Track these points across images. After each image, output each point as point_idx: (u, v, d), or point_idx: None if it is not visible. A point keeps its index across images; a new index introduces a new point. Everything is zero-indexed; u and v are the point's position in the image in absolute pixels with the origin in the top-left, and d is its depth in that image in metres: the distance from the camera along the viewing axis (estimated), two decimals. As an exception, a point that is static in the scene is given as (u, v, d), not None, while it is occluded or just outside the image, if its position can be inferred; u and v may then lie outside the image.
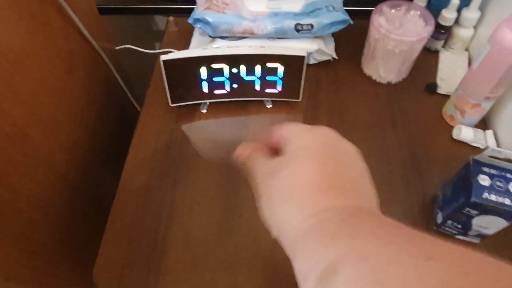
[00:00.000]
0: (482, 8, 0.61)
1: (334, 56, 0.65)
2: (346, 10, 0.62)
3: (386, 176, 0.53)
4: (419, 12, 0.59)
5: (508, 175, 0.41)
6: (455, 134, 0.56)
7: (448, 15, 0.61)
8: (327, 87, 0.63)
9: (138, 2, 0.69)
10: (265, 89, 0.58)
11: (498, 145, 0.56)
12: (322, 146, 0.25)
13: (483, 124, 0.59)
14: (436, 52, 0.67)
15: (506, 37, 0.45)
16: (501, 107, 0.56)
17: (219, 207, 0.50)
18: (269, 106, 0.60)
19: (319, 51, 0.63)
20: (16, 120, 0.44)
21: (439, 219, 0.48)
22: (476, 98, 0.52)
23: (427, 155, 0.56)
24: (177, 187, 0.52)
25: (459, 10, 0.62)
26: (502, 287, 0.15)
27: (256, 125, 0.59)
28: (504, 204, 0.39)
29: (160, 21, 0.83)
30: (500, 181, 0.41)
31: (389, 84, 0.64)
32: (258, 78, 0.56)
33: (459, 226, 0.45)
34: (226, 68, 0.55)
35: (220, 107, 0.60)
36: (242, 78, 0.56)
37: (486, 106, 0.53)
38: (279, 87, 0.58)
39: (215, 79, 0.56)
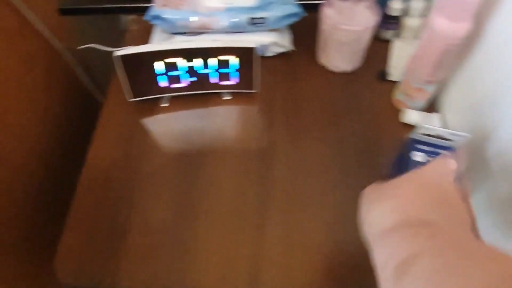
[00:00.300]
0: (427, -3, 0.64)
1: (291, 48, 0.67)
2: (301, 4, 0.65)
3: (339, 162, 0.56)
4: (367, 3, 0.62)
5: (441, 151, 0.44)
6: (403, 118, 0.59)
7: (395, 6, 0.64)
8: (284, 78, 0.66)
9: (99, 2, 0.71)
10: (222, 81, 0.60)
11: (446, 127, 0.60)
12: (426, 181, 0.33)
13: (433, 107, 0.62)
14: (388, 41, 0.70)
15: (437, 23, 0.48)
16: (447, 91, 0.60)
17: (178, 196, 0.52)
18: (226, 98, 0.63)
19: (275, 43, 0.65)
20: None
21: None
22: (418, 82, 0.55)
23: (379, 140, 0.59)
24: (136, 178, 0.54)
25: (407, 0, 0.65)
26: None
27: (215, 117, 0.61)
28: None
29: (126, 19, 0.84)
30: (433, 157, 0.43)
31: (343, 73, 0.66)
32: (213, 71, 0.58)
33: None
34: (181, 62, 0.57)
35: (180, 101, 0.62)
36: (198, 71, 0.58)
37: (429, 89, 0.56)
38: (235, 79, 0.60)
39: (172, 73, 0.58)
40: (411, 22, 0.66)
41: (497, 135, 0.47)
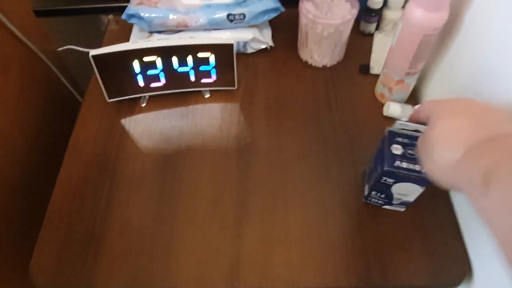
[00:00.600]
0: (407, -11, 0.64)
1: (271, 43, 0.67)
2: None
3: (321, 157, 0.55)
4: (346, -3, 0.61)
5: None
6: (385, 111, 0.59)
7: (375, -2, 0.64)
8: (265, 74, 0.65)
9: (76, 3, 0.70)
10: (201, 79, 0.59)
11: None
12: (459, 106, 0.33)
13: (415, 100, 0.61)
14: (370, 35, 0.70)
15: (413, 14, 0.47)
16: (427, 82, 0.59)
17: (156, 195, 0.52)
18: (207, 96, 0.62)
19: (254, 39, 0.65)
20: None
21: (366, 191, 0.50)
22: (398, 75, 0.55)
23: (360, 133, 0.58)
24: (114, 178, 0.53)
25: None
26: None
27: (195, 116, 0.60)
28: (415, 170, 0.42)
29: (105, 19, 0.83)
30: (411, 149, 0.43)
31: (324, 68, 0.66)
32: (191, 68, 0.58)
33: (383, 195, 0.48)
34: (158, 61, 0.56)
35: (159, 100, 0.61)
36: (176, 69, 0.57)
37: (410, 81, 0.56)
38: (214, 77, 0.59)
39: (149, 72, 0.57)
40: (391, 14, 0.66)
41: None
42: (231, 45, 0.55)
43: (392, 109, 0.57)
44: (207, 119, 0.59)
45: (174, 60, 0.56)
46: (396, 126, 0.43)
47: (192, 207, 0.51)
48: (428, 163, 0.33)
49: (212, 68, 0.58)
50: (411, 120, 0.39)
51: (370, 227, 0.49)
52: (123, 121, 0.60)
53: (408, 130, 0.43)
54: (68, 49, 0.75)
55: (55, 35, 0.75)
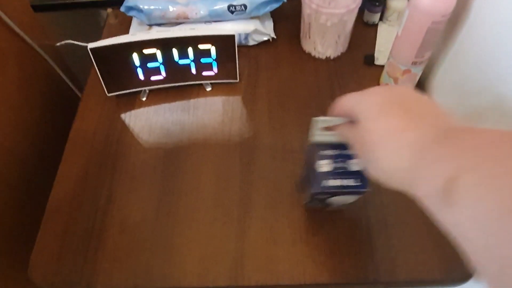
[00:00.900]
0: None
1: (273, 35, 0.65)
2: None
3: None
4: (349, -14, 0.59)
5: (346, 152, 0.37)
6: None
7: (379, -13, 0.62)
8: (267, 66, 0.64)
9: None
10: (202, 72, 0.58)
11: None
12: (385, 98, 0.29)
13: (420, 91, 0.59)
14: (375, 26, 0.68)
15: (420, 0, 0.46)
16: (434, 73, 0.57)
17: (157, 191, 0.50)
18: (208, 89, 0.60)
19: (256, 31, 0.63)
20: None
21: (304, 199, 0.46)
22: (404, 64, 0.53)
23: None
24: (115, 174, 0.52)
25: (391, -18, 0.62)
26: None
27: (196, 109, 0.59)
28: (348, 186, 0.37)
29: (105, 14, 0.82)
30: (341, 161, 0.38)
31: (328, 59, 0.64)
32: (192, 61, 0.56)
33: (323, 205, 0.45)
34: (158, 53, 0.55)
35: (160, 94, 0.60)
36: (176, 62, 0.56)
37: (416, 71, 0.54)
38: (215, 69, 0.58)
39: (149, 65, 0.56)
40: (396, 4, 0.64)
41: (488, 116, 0.45)
42: (232, 37, 0.54)
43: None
44: (208, 113, 0.58)
45: (175, 52, 0.55)
46: (319, 125, 0.37)
47: (194, 203, 0.49)
48: (371, 168, 0.29)
49: (214, 60, 0.56)
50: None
51: (377, 221, 0.47)
52: (123, 115, 0.58)
53: (332, 135, 0.37)
54: (67, 44, 0.74)
55: (54, 30, 0.74)
